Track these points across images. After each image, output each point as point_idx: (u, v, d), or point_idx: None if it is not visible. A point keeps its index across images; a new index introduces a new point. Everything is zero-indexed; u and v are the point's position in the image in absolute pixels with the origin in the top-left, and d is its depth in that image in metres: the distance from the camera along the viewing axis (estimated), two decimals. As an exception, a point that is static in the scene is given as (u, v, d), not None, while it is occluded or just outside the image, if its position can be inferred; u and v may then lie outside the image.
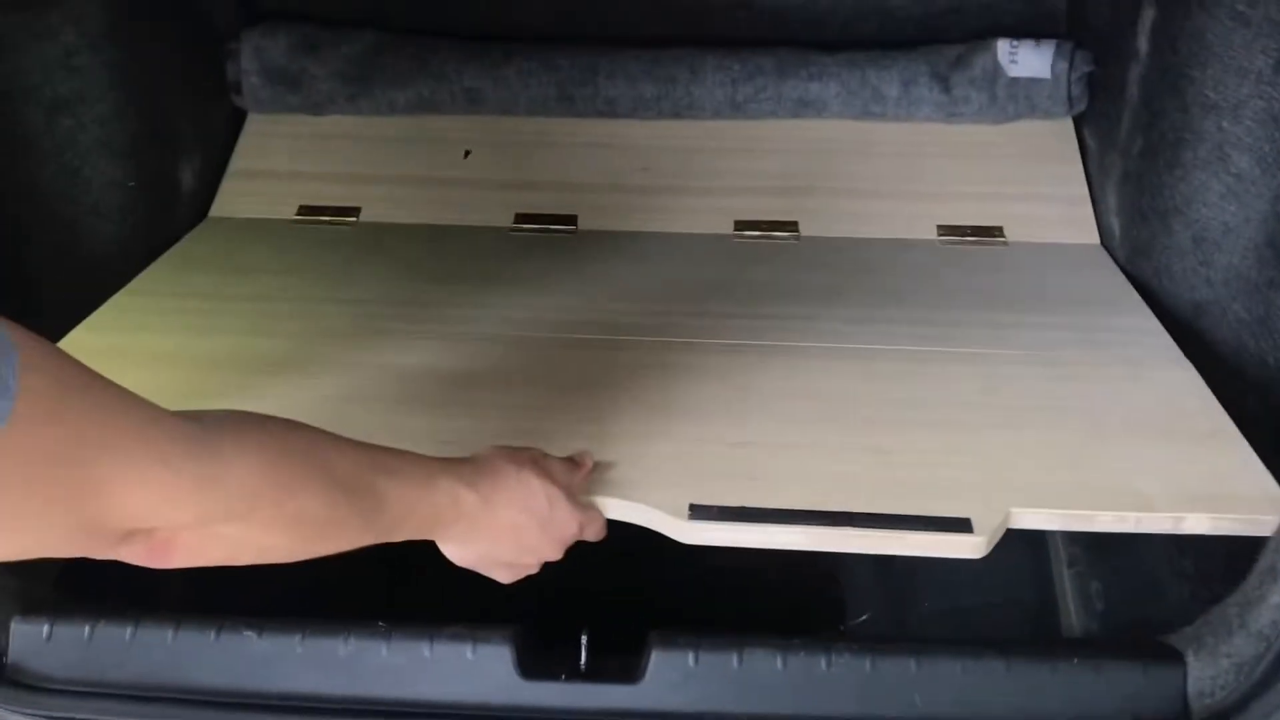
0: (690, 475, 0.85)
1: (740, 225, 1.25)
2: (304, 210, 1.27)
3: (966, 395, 0.95)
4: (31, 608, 0.74)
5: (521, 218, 1.26)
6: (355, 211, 1.27)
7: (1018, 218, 1.25)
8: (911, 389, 0.96)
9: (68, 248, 1.13)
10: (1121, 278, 1.15)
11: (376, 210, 1.27)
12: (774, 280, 1.16)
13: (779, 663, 0.71)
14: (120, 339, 1.04)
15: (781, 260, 1.20)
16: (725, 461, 0.87)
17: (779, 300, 1.11)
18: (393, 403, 0.95)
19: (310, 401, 0.94)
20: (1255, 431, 0.97)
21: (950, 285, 1.14)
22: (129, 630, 0.74)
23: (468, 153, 1.21)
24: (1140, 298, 1.12)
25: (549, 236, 1.24)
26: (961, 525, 0.78)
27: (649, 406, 0.94)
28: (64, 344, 1.04)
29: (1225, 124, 1.05)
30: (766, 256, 1.21)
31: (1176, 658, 0.71)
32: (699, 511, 0.79)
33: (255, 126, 1.35)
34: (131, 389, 0.54)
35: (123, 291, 1.11)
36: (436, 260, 1.20)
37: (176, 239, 1.23)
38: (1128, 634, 0.78)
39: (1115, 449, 0.88)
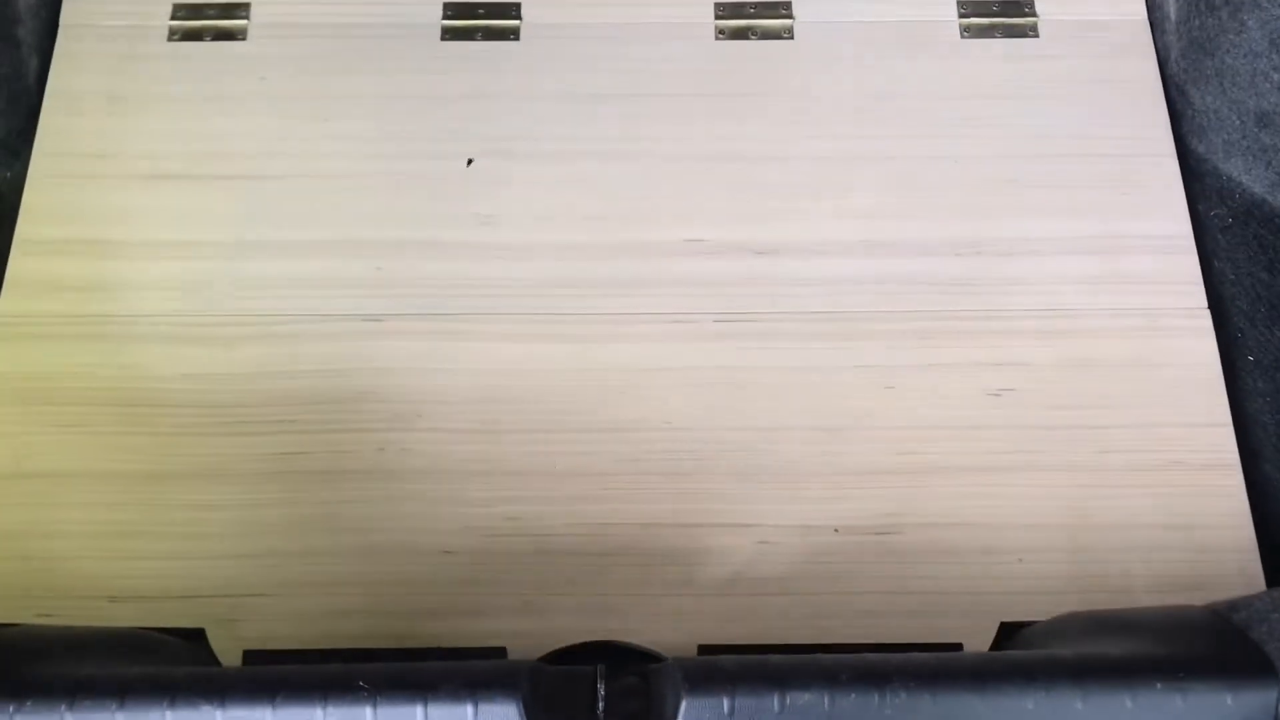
0: None
1: (721, 10, 1.03)
2: (180, 11, 1.02)
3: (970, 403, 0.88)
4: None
5: (452, 9, 1.03)
6: (244, 10, 1.02)
7: (1048, -17, 1.04)
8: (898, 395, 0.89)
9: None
10: (1164, 121, 0.99)
11: (270, 7, 1.02)
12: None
13: (825, 703, 0.63)
14: None
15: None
16: None
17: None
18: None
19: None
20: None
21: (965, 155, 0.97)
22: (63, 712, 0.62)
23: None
24: (1178, 169, 0.97)
25: (487, 36, 1.02)
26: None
27: None
28: None
29: (1330, -102, 0.85)
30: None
31: (1269, 671, 0.63)
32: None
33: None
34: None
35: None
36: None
37: (20, 64, 0.98)
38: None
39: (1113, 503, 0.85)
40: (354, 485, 0.86)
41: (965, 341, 0.91)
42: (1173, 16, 1.00)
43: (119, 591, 0.83)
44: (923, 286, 0.92)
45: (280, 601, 0.83)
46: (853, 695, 0.63)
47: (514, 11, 1.02)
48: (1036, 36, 1.02)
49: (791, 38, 1.02)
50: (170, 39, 1.01)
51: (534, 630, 0.82)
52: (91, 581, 0.83)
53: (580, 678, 0.67)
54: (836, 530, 0.84)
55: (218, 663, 0.80)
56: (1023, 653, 0.70)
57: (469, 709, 0.63)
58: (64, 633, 0.76)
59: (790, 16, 1.02)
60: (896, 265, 0.93)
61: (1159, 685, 0.63)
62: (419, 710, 0.63)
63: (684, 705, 0.63)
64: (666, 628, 0.82)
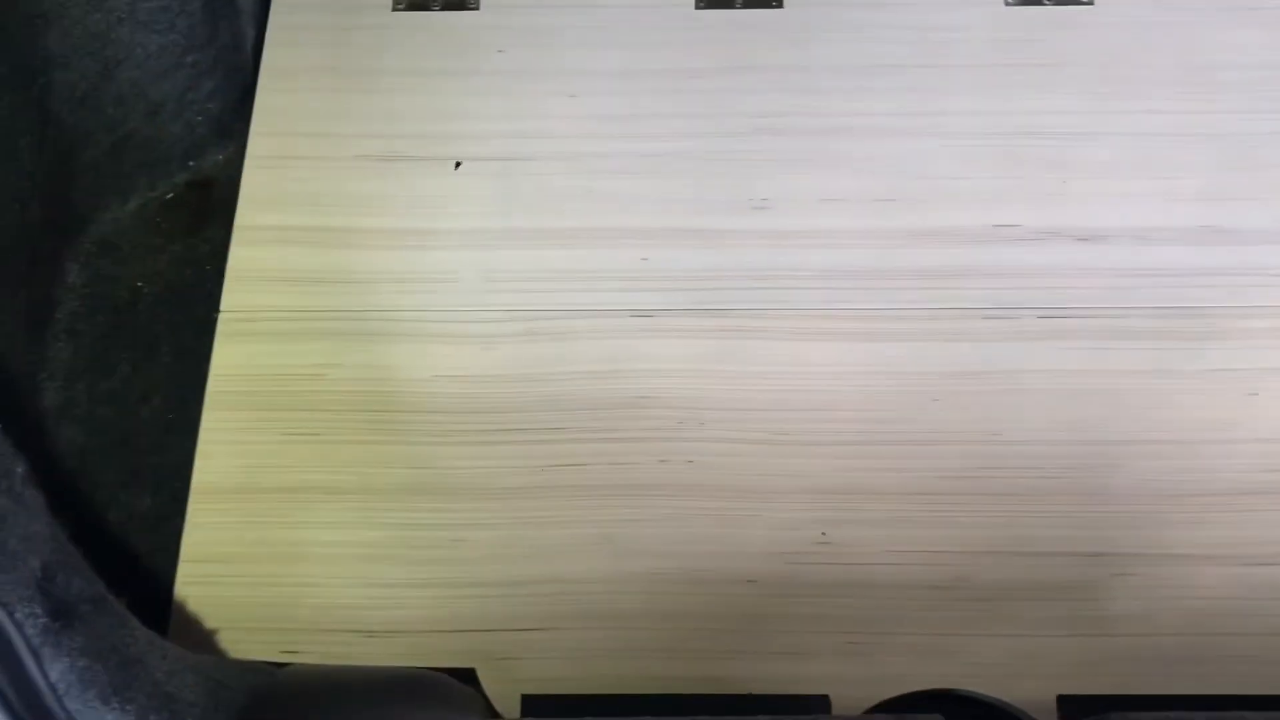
0: None
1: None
2: (405, -26, 0.92)
3: None
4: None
5: (706, -19, 0.92)
6: (476, -22, 0.92)
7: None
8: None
9: (95, 70, 0.81)
10: None
11: (506, -27, 0.92)
12: None
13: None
14: None
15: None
16: None
17: None
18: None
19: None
20: None
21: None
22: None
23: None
24: None
25: (747, 3, 0.91)
26: None
27: None
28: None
29: None
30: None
31: None
32: None
33: None
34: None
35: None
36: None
37: (239, 33, 0.89)
38: None
39: None
40: (636, 502, 0.74)
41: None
42: None
43: (372, 624, 0.72)
44: None
45: (557, 637, 0.71)
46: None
47: (775, -20, 0.92)
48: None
49: (1090, 3, 0.90)
50: (395, 8, 0.91)
51: (857, 675, 0.70)
52: (340, 613, 0.72)
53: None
54: (1205, 560, 0.72)
55: (492, 708, 0.69)
56: None
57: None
58: (334, 675, 0.65)
59: (1073, -21, 0.91)
60: (1246, 255, 0.80)
61: None
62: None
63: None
64: (1013, 673, 0.70)
